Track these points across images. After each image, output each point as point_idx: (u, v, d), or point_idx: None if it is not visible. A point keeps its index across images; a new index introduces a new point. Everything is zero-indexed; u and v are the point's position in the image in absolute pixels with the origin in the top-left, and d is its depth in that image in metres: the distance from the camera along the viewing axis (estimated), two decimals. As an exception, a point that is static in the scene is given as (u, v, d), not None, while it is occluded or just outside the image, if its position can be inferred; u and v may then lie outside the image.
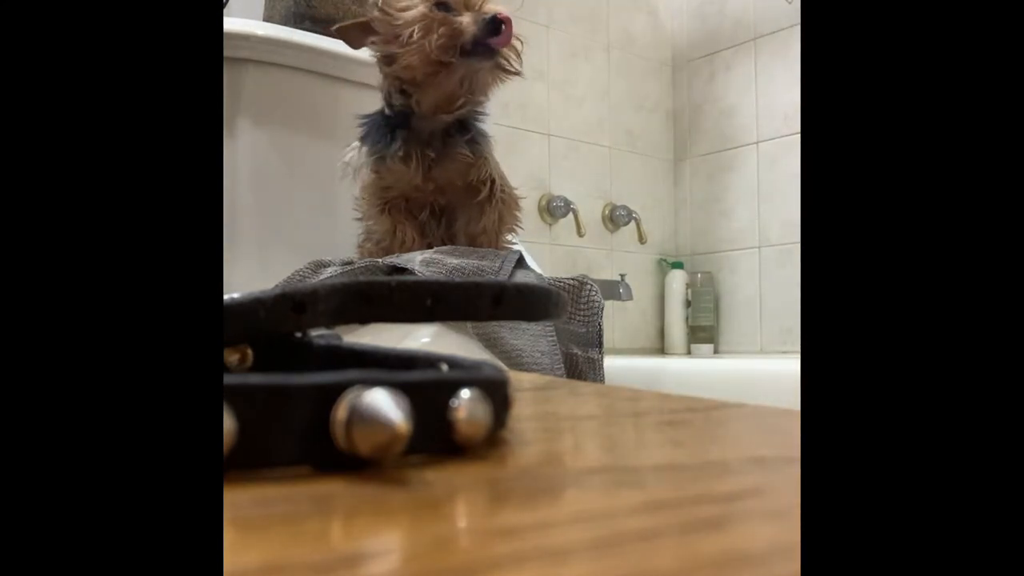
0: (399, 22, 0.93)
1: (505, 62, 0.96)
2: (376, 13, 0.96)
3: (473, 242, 1.01)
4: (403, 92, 0.96)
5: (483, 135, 1.03)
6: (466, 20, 0.92)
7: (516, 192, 1.06)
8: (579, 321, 0.93)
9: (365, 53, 1.22)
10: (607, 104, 2.13)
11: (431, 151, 0.97)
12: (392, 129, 0.98)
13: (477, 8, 0.93)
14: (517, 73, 0.97)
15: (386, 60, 0.96)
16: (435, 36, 0.91)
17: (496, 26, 0.91)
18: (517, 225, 1.07)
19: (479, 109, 1.02)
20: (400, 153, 0.97)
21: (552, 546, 0.12)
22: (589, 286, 0.95)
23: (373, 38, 0.96)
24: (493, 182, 1.01)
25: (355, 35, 0.98)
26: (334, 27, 1.02)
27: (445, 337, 0.79)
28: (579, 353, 0.91)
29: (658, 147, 2.25)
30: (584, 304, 0.94)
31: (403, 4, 0.94)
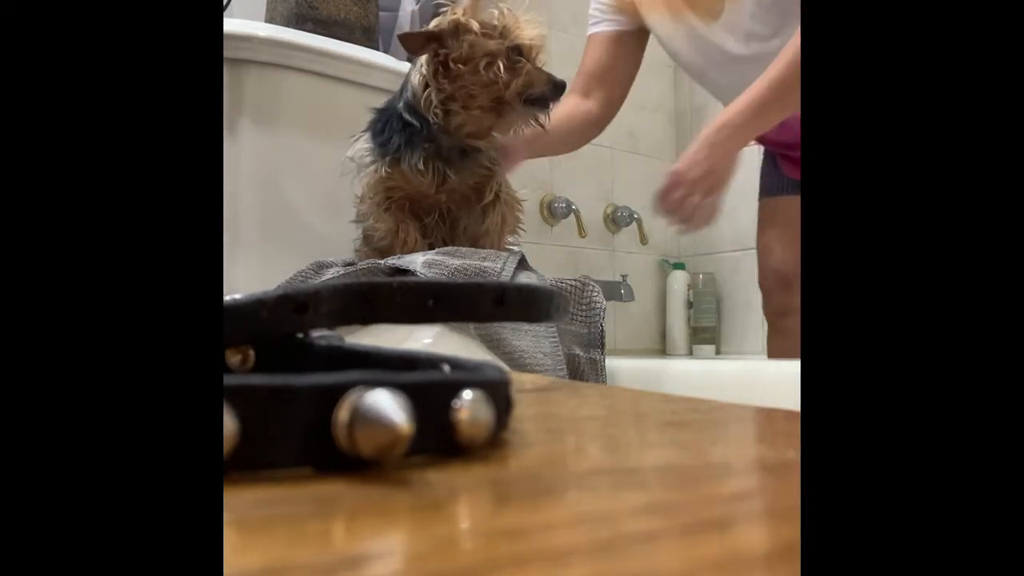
0: (482, 50, 0.95)
1: (545, 118, 1.01)
2: (447, 27, 0.96)
3: (476, 243, 1.01)
4: (443, 105, 0.97)
5: (495, 147, 1.05)
6: (541, 74, 0.97)
7: (518, 194, 1.07)
8: (581, 322, 0.93)
9: (367, 54, 1.23)
10: (609, 105, 2.12)
11: (451, 168, 0.99)
12: (411, 135, 0.98)
13: (538, 64, 0.99)
14: (544, 128, 1.03)
15: (446, 75, 0.96)
16: (519, 79, 0.95)
17: (561, 91, 0.98)
18: (519, 227, 1.08)
19: None
20: (420, 166, 0.97)
21: (554, 547, 0.12)
22: (591, 287, 0.95)
23: (438, 48, 0.97)
24: (499, 185, 1.03)
25: (419, 43, 0.98)
26: (399, 33, 1.04)
27: (447, 338, 0.79)
28: (581, 354, 0.91)
29: (660, 148, 2.25)
30: (586, 305, 0.94)
31: (485, 31, 0.96)
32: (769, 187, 1.46)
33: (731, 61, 1.17)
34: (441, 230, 1.04)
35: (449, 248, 0.95)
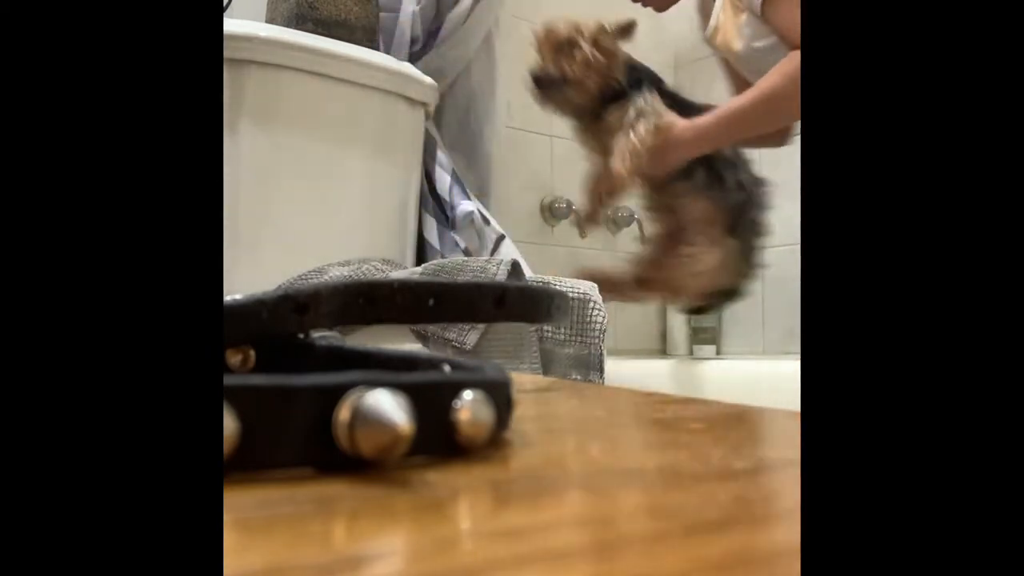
0: None
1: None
2: None
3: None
4: None
5: (639, 93, 1.19)
6: None
7: (650, 136, 1.16)
8: (580, 343, 0.91)
9: (367, 54, 1.23)
10: (609, 105, 2.12)
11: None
12: None
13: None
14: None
15: None
16: None
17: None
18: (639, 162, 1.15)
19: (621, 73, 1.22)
20: None
21: (555, 548, 0.12)
22: (592, 303, 0.92)
23: None
24: (636, 116, 1.17)
25: None
26: None
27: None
28: (579, 378, 0.90)
29: (660, 148, 2.24)
30: (587, 324, 0.91)
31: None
32: None
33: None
34: None
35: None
